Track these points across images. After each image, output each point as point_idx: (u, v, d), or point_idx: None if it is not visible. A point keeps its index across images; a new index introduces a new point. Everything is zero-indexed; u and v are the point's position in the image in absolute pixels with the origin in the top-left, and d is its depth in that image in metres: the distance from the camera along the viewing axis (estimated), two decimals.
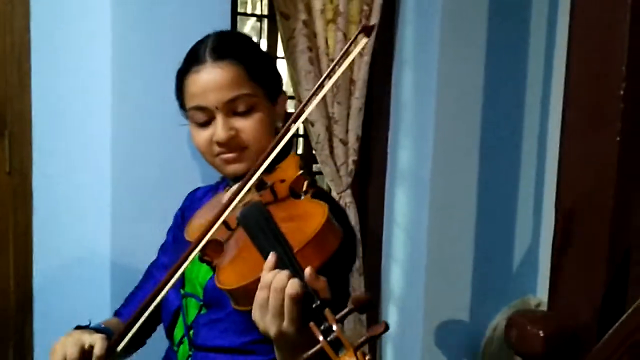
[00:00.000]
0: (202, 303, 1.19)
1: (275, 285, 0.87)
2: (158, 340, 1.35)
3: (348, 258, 1.19)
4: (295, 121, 1.09)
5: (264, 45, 2.44)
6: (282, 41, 2.23)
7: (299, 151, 2.66)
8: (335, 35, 2.27)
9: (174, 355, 1.26)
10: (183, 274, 1.21)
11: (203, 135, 1.19)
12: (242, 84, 1.15)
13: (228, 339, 1.16)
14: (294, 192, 1.09)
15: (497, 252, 2.46)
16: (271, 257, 0.90)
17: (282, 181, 1.11)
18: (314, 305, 0.86)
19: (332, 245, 0.95)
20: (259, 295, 0.89)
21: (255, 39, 2.68)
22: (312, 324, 0.84)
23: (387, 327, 0.81)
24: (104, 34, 1.72)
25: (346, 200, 2.37)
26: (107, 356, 1.08)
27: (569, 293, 1.41)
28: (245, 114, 1.17)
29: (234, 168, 1.19)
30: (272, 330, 0.89)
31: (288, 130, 1.08)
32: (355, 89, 2.33)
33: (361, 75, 2.32)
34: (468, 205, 2.34)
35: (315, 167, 2.52)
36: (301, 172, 1.11)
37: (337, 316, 0.83)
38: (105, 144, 1.75)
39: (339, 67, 1.10)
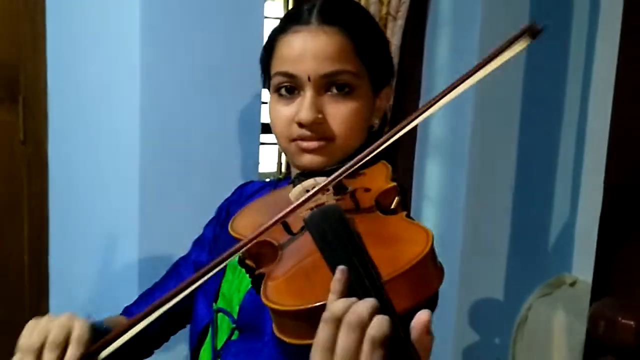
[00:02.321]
0: (234, 325, 0.98)
1: (350, 319, 0.62)
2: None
3: (435, 303, 0.90)
4: (413, 120, 0.83)
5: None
6: None
7: None
8: None
9: None
10: (218, 285, 1.03)
11: (283, 112, 0.98)
12: (347, 58, 0.95)
13: None
14: (381, 207, 0.85)
15: (534, 229, 2.36)
16: (339, 274, 0.65)
17: (367, 190, 0.88)
18: (404, 354, 0.63)
19: (430, 286, 0.70)
20: (323, 330, 0.64)
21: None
22: None
23: None
24: None
25: None
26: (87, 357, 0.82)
27: None
28: (340, 96, 0.96)
29: (310, 159, 0.97)
30: None
31: (401, 129, 0.82)
32: None
33: (395, 40, 2.17)
34: (506, 180, 2.23)
35: None
36: (393, 184, 0.88)
37: None
38: (133, 110, 1.60)
39: (488, 64, 0.83)
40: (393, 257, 0.69)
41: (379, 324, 0.62)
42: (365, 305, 0.63)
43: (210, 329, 1.02)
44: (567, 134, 2.34)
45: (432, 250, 0.70)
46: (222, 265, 0.79)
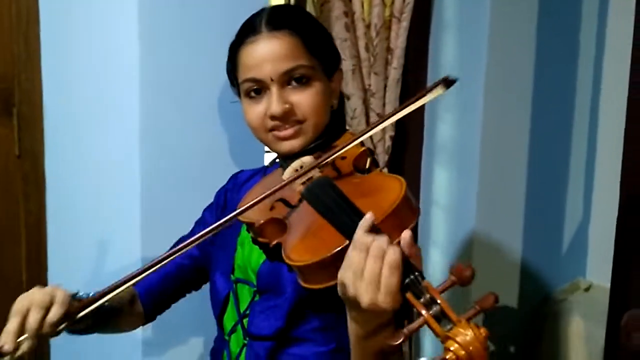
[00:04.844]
0: (255, 289, 1.17)
1: (374, 251, 0.83)
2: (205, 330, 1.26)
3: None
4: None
5: None
6: (315, 7, 2.03)
7: None
8: None
9: (225, 345, 1.23)
10: (232, 260, 1.22)
11: (256, 109, 1.16)
12: (299, 55, 1.14)
13: (285, 326, 1.13)
14: (358, 169, 1.07)
15: (547, 234, 2.30)
16: (369, 216, 0.85)
17: (343, 158, 1.08)
18: (412, 276, 0.82)
19: (411, 221, 0.90)
20: (355, 257, 0.84)
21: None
22: (410, 295, 0.81)
23: (496, 300, 0.78)
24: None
25: None
26: (66, 320, 1.00)
27: None
28: (300, 86, 1.14)
29: (290, 145, 1.16)
30: (364, 300, 0.84)
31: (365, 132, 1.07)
32: (393, 58, 2.13)
33: (399, 43, 2.12)
34: (518, 184, 2.17)
35: None
36: (364, 148, 1.08)
37: (439, 288, 0.80)
38: (132, 121, 1.53)
39: (407, 107, 1.07)
40: (377, 203, 0.90)
41: (394, 252, 0.83)
42: (383, 239, 0.84)
43: (231, 296, 1.22)
44: (579, 136, 2.28)
45: (406, 192, 0.91)
46: (215, 231, 0.99)
